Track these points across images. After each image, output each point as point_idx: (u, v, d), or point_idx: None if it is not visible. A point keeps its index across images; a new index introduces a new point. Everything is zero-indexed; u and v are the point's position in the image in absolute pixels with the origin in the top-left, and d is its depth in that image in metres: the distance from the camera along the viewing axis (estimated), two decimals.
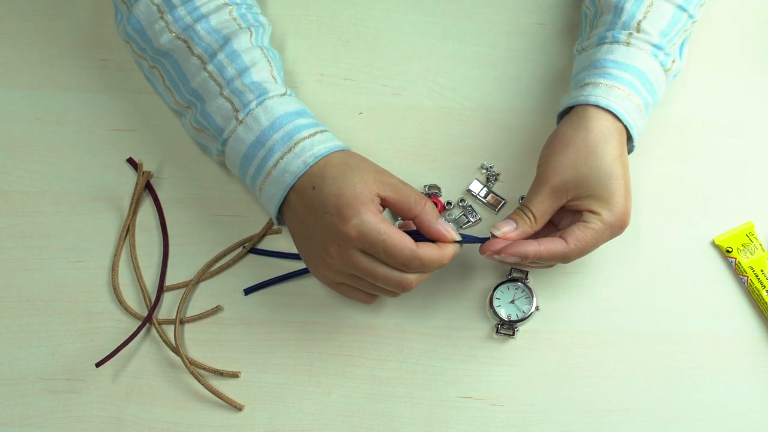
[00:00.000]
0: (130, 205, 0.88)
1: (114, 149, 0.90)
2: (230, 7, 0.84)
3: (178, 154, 0.90)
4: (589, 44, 0.84)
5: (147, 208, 0.89)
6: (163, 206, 0.88)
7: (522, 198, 0.87)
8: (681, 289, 0.85)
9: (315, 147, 0.78)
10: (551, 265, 0.82)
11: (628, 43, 0.81)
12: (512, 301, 0.84)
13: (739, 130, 0.90)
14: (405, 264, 0.75)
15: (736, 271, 0.85)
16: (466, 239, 0.79)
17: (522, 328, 0.84)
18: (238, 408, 0.82)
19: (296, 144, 0.78)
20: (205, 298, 0.86)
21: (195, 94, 0.83)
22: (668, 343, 0.83)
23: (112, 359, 0.82)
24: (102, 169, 0.90)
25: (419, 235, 0.77)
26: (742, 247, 0.85)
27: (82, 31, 0.95)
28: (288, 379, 0.83)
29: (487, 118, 0.91)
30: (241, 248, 0.87)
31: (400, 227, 0.77)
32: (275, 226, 0.87)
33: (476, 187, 0.88)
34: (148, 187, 0.89)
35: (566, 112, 0.82)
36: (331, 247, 0.75)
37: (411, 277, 0.76)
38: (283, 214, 0.81)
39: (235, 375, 0.83)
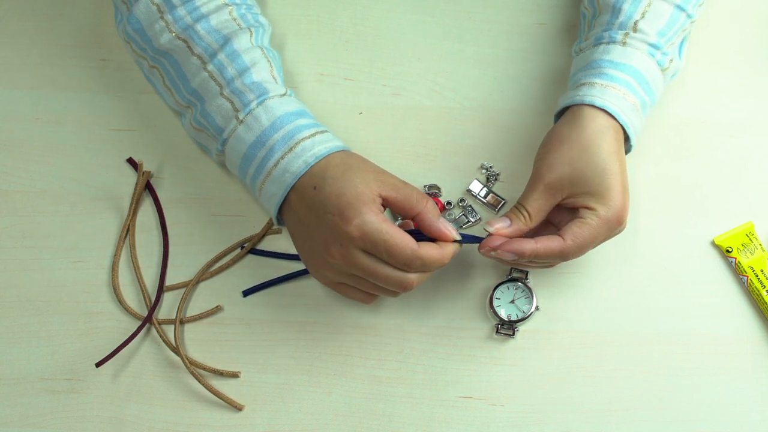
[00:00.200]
0: (130, 205, 0.88)
1: (114, 149, 0.90)
2: (230, 8, 0.84)
3: (178, 154, 0.90)
4: (587, 45, 0.85)
5: (147, 208, 0.89)
6: (163, 206, 0.88)
7: None
8: (681, 289, 0.85)
9: (316, 147, 0.78)
10: (552, 265, 0.82)
11: (624, 43, 0.82)
12: (512, 301, 0.84)
13: (739, 130, 0.90)
14: (406, 263, 0.75)
15: (736, 271, 0.85)
16: (466, 239, 0.79)
17: (522, 328, 0.84)
18: (238, 408, 0.82)
19: (297, 144, 0.78)
20: (205, 298, 0.86)
21: (195, 94, 0.83)
22: (668, 343, 0.83)
23: (112, 359, 0.82)
24: (102, 169, 0.90)
25: (419, 235, 0.77)
26: (742, 247, 0.85)
27: (82, 31, 0.95)
28: (288, 379, 0.83)
29: (487, 118, 0.91)
30: (240, 249, 0.87)
31: (399, 227, 0.77)
32: (275, 226, 0.87)
33: (476, 187, 0.88)
34: (148, 187, 0.89)
35: (563, 113, 0.82)
36: (333, 246, 0.75)
37: (412, 277, 0.76)
38: (282, 214, 0.81)
39: (235, 375, 0.83)
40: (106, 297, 0.86)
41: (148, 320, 0.84)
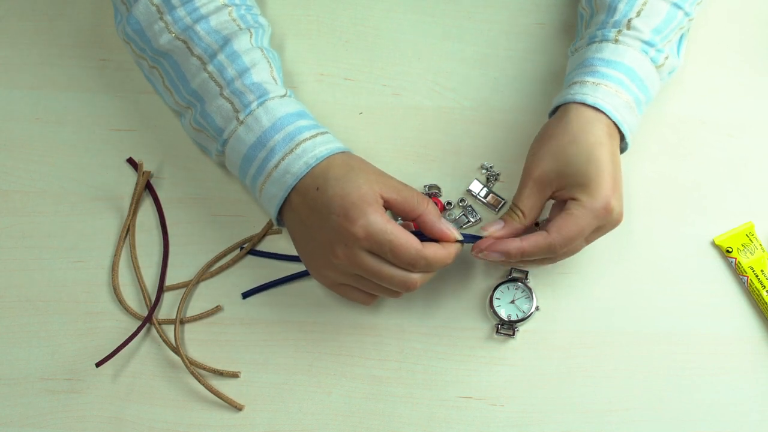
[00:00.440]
0: (130, 205, 0.88)
1: (114, 149, 0.90)
2: (230, 8, 0.84)
3: (178, 154, 0.90)
4: (581, 44, 0.85)
5: (147, 208, 0.89)
6: (163, 206, 0.88)
7: None
8: (680, 289, 0.85)
9: (317, 148, 0.78)
10: (552, 260, 0.81)
11: (617, 41, 0.82)
12: (512, 301, 0.84)
13: (739, 130, 0.90)
14: (411, 263, 0.75)
15: (736, 271, 0.85)
16: (468, 239, 0.79)
17: (522, 328, 0.84)
18: (238, 408, 0.82)
19: (298, 145, 0.78)
20: (205, 298, 0.86)
21: (195, 95, 0.83)
22: (668, 343, 0.83)
23: (112, 359, 0.82)
24: (102, 169, 0.90)
25: (421, 236, 0.77)
26: (742, 247, 0.85)
27: (82, 31, 0.95)
28: (288, 379, 0.83)
29: (487, 118, 0.91)
30: (240, 249, 0.87)
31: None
32: (275, 227, 0.87)
33: (476, 187, 0.88)
34: (148, 187, 0.89)
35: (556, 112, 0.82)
36: (337, 247, 0.75)
37: (416, 277, 0.76)
38: (283, 215, 0.81)
39: (235, 375, 0.83)
40: (106, 297, 0.86)
41: (148, 320, 0.84)
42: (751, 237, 0.86)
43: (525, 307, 0.83)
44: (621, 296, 0.85)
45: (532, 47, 0.93)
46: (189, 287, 0.85)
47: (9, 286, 0.86)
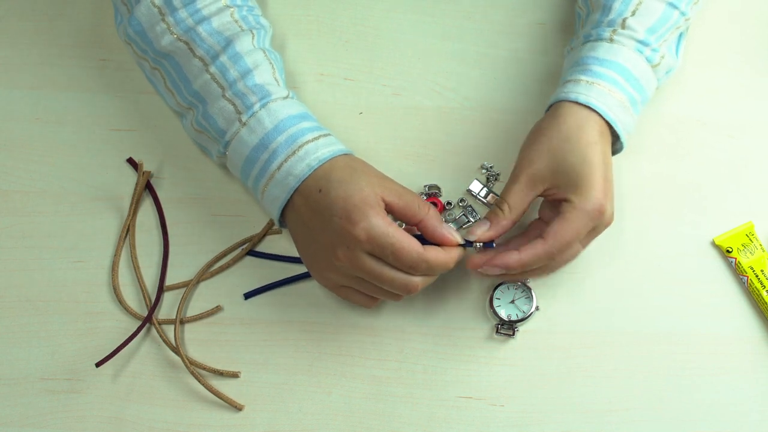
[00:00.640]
0: (130, 205, 0.88)
1: (114, 149, 0.90)
2: (231, 9, 0.84)
3: (178, 154, 0.90)
4: (577, 43, 0.85)
5: (147, 208, 0.89)
6: (163, 206, 0.88)
7: None
8: (680, 289, 0.85)
9: (319, 150, 0.78)
10: (550, 270, 0.81)
11: (611, 40, 0.82)
12: (512, 301, 0.84)
13: (739, 131, 0.90)
14: (412, 266, 0.75)
15: (736, 271, 0.85)
16: (469, 242, 0.79)
17: (522, 328, 0.84)
18: (238, 408, 0.82)
19: (300, 147, 0.78)
20: (205, 298, 0.86)
21: (197, 96, 0.83)
22: (668, 343, 0.83)
23: (112, 359, 0.82)
24: (102, 169, 0.90)
25: (423, 239, 0.77)
26: (742, 247, 0.85)
27: (82, 31, 0.95)
28: (288, 379, 0.83)
29: (487, 118, 0.91)
30: (240, 249, 0.87)
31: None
32: (275, 227, 0.87)
33: (476, 187, 0.88)
34: (148, 187, 0.89)
35: None
36: (339, 249, 0.75)
37: (417, 280, 0.76)
38: (285, 217, 0.81)
39: (235, 375, 0.83)
40: (106, 297, 0.86)
41: (148, 320, 0.84)
42: (751, 237, 0.86)
43: (525, 307, 0.83)
44: (621, 296, 0.85)
45: (532, 47, 0.93)
46: (189, 287, 0.85)
47: (9, 286, 0.86)
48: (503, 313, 0.83)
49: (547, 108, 0.82)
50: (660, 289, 0.85)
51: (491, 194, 0.88)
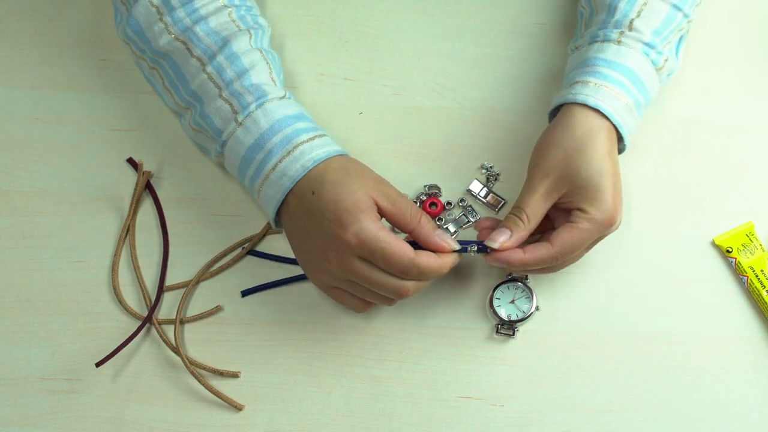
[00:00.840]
0: (130, 205, 0.88)
1: (114, 149, 0.90)
2: (229, 9, 0.84)
3: (178, 154, 0.90)
4: (582, 43, 0.85)
5: (147, 208, 0.89)
6: (163, 206, 0.88)
7: None
8: (681, 289, 0.85)
9: (314, 151, 0.78)
10: (551, 270, 0.81)
11: (619, 42, 0.81)
12: (512, 301, 0.84)
13: (738, 131, 0.90)
14: (403, 271, 0.75)
15: (736, 271, 0.85)
16: (464, 248, 0.78)
17: (522, 328, 0.84)
18: (238, 408, 0.82)
19: (295, 148, 0.78)
20: (205, 298, 0.86)
21: (194, 96, 0.83)
22: (668, 343, 0.83)
23: (112, 359, 0.82)
24: (102, 169, 0.90)
25: (416, 244, 0.77)
26: (742, 247, 0.85)
27: (82, 31, 0.95)
28: (288, 379, 0.83)
29: (487, 118, 0.91)
30: (240, 249, 0.87)
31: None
32: (273, 228, 0.87)
33: (476, 187, 0.88)
34: (148, 187, 0.89)
35: (557, 111, 0.82)
36: (330, 252, 0.75)
37: (408, 284, 0.76)
38: (281, 217, 0.81)
39: (235, 375, 0.83)
40: (106, 297, 0.86)
41: (148, 320, 0.84)
42: (751, 237, 0.86)
43: (525, 307, 0.83)
44: (621, 296, 0.85)
45: (532, 47, 0.93)
46: (189, 287, 0.85)
47: (9, 286, 0.86)
48: (503, 313, 0.83)
49: (552, 107, 0.82)
50: (660, 289, 0.85)
51: (491, 194, 0.88)
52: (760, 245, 0.85)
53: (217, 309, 0.85)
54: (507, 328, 0.83)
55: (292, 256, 0.86)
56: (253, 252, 0.86)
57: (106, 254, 0.87)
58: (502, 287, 0.84)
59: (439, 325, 0.84)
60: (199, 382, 0.81)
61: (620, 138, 0.81)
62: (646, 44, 0.81)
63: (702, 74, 0.92)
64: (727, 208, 0.87)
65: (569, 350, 0.83)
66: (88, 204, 0.88)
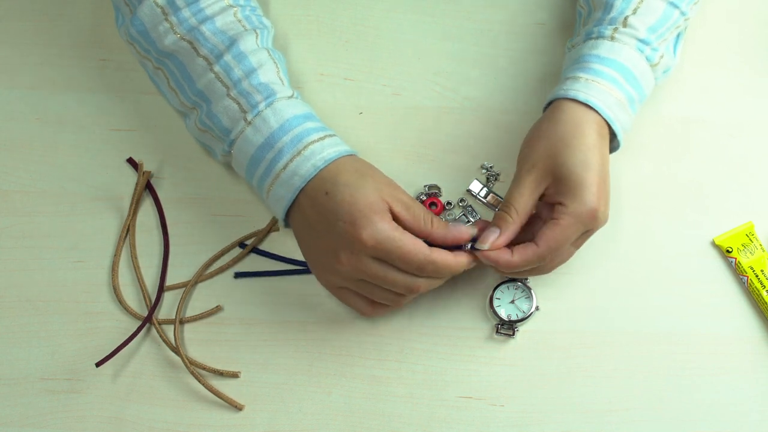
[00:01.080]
0: (130, 205, 0.88)
1: (114, 149, 0.90)
2: (235, 9, 0.84)
3: (178, 154, 0.90)
4: (578, 41, 0.85)
5: (147, 208, 0.89)
6: (163, 206, 0.88)
7: None
8: (680, 288, 0.85)
9: (325, 151, 0.78)
10: (541, 271, 0.81)
11: (612, 38, 0.81)
12: (512, 301, 0.84)
13: (738, 130, 0.90)
14: (419, 268, 0.75)
15: (736, 271, 0.85)
16: (459, 246, 0.78)
17: (522, 328, 0.84)
18: (238, 408, 0.82)
19: (306, 147, 0.78)
20: (205, 298, 0.86)
21: (201, 95, 0.83)
22: (668, 343, 0.83)
23: (112, 359, 0.82)
24: (102, 169, 0.90)
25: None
26: (742, 247, 0.85)
27: (82, 31, 0.95)
28: (288, 379, 0.83)
29: (487, 118, 0.91)
30: (240, 247, 0.87)
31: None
32: (277, 226, 0.87)
33: (476, 187, 0.88)
34: (148, 187, 0.89)
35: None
36: (342, 253, 0.75)
37: (420, 281, 0.76)
38: (290, 217, 0.81)
39: (235, 375, 0.83)
40: (106, 297, 0.86)
41: (148, 320, 0.84)
42: (751, 237, 0.86)
43: (525, 307, 0.83)
44: (621, 296, 0.85)
45: (532, 47, 0.93)
46: (189, 287, 0.85)
47: (9, 286, 0.86)
48: (503, 313, 0.83)
49: (545, 105, 0.82)
50: (660, 289, 0.85)
51: (491, 194, 0.88)
52: (760, 245, 0.85)
53: (217, 309, 0.85)
54: (507, 328, 0.83)
55: (293, 255, 0.86)
56: (256, 250, 0.86)
57: (106, 254, 0.87)
58: (502, 287, 0.84)
59: (439, 325, 0.84)
60: (199, 382, 0.81)
61: (614, 134, 0.80)
62: (641, 40, 0.81)
63: (701, 73, 0.92)
64: (727, 208, 0.87)
65: (569, 350, 0.83)
66: (88, 204, 0.88)
